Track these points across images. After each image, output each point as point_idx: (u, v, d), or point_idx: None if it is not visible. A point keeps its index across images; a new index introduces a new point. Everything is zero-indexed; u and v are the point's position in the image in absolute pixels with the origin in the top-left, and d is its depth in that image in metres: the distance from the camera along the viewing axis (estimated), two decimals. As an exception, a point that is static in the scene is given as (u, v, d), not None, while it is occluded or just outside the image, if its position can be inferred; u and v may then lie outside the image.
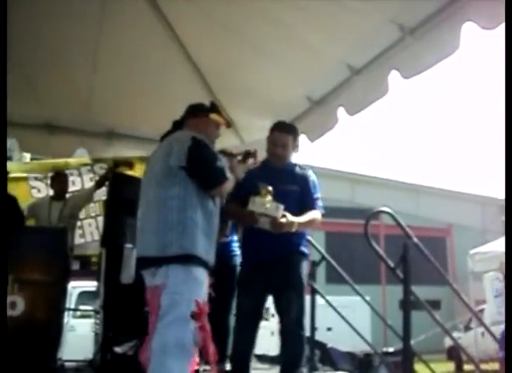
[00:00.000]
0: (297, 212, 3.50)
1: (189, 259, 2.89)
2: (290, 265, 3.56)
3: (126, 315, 4.15)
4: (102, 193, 5.96)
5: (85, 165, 6.48)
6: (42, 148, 5.59)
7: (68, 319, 9.37)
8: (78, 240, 6.30)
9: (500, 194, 26.59)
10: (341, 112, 4.07)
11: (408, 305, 3.73)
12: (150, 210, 3.04)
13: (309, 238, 5.03)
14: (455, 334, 12.63)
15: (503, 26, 2.76)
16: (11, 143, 5.31)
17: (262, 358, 5.34)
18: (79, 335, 8.93)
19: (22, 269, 4.06)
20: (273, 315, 5.19)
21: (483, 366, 9.97)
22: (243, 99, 4.72)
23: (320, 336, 4.93)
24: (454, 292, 4.63)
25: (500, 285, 11.72)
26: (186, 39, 4.45)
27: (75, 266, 5.78)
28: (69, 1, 3.92)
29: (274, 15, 3.72)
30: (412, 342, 3.78)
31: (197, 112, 3.32)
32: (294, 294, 3.51)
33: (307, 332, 4.70)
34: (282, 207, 3.43)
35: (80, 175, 6.50)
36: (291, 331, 3.50)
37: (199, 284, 2.91)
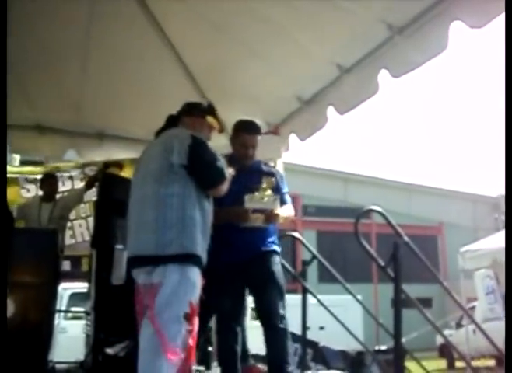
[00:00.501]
0: None
1: (188, 258, 2.88)
2: (266, 263, 3.55)
3: (117, 316, 4.13)
4: (92, 194, 5.95)
5: (76, 167, 6.47)
6: (32, 150, 5.57)
7: (59, 321, 9.33)
8: (68, 241, 6.28)
9: (491, 192, 26.79)
10: (331, 111, 4.08)
11: (398, 303, 3.74)
12: (147, 207, 2.98)
13: (300, 237, 5.05)
14: (447, 331, 12.68)
15: (491, 25, 2.78)
16: (0, 144, 5.27)
17: (255, 358, 5.35)
18: (71, 336, 8.91)
19: (12, 271, 4.03)
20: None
21: (475, 363, 10.04)
22: (233, 99, 4.71)
23: (312, 335, 4.94)
24: (445, 290, 4.64)
25: (491, 283, 11.79)
26: (176, 39, 4.45)
27: (66, 266, 5.76)
28: (59, 3, 3.91)
29: (264, 14, 3.72)
30: (404, 340, 3.79)
31: (193, 111, 3.30)
32: (274, 291, 3.49)
33: (298, 332, 4.73)
34: (278, 198, 3.46)
35: (70, 176, 6.48)
36: (274, 327, 3.46)
37: (194, 285, 2.90)
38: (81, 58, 4.49)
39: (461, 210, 25.96)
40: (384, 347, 7.66)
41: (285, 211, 3.63)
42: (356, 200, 20.32)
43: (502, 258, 8.51)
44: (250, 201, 3.41)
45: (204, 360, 4.56)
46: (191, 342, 2.84)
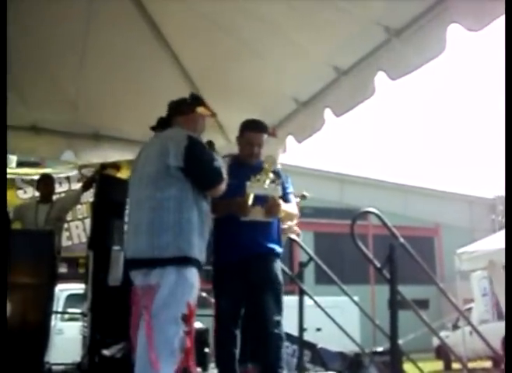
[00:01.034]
0: None
1: (185, 261, 2.87)
2: (265, 266, 3.54)
3: (114, 317, 4.13)
4: (89, 195, 5.94)
5: (73, 168, 6.46)
6: (29, 150, 5.56)
7: (56, 322, 9.31)
8: (65, 242, 6.27)
9: (488, 193, 26.81)
10: (327, 113, 4.09)
11: (394, 305, 3.74)
12: (143, 210, 2.98)
13: (296, 238, 5.05)
14: (443, 333, 12.70)
15: (488, 28, 2.79)
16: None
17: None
18: (67, 338, 8.88)
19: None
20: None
21: (471, 364, 10.06)
22: (230, 100, 4.71)
23: (309, 337, 4.93)
24: (441, 292, 4.65)
25: (487, 284, 11.82)
26: (173, 39, 4.45)
27: (63, 268, 5.75)
28: (55, 2, 3.90)
29: (261, 14, 3.72)
30: (401, 341, 3.79)
31: (183, 109, 3.28)
32: (270, 297, 3.47)
33: (296, 333, 4.73)
34: (279, 187, 3.45)
35: (67, 177, 6.47)
36: (269, 333, 3.45)
37: (191, 286, 2.89)
38: (77, 59, 4.48)
39: (457, 211, 25.95)
40: (380, 349, 7.66)
41: (287, 206, 3.62)
42: (353, 201, 20.29)
43: (498, 259, 8.53)
44: (251, 187, 3.36)
45: (201, 361, 4.56)
46: (189, 343, 2.83)
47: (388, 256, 3.75)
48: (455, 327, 13.80)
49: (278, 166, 3.71)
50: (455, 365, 13.38)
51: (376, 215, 4.11)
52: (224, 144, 5.04)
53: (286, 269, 4.85)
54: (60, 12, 3.98)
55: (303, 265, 4.83)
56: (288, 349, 4.18)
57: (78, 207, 6.35)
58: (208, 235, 3.10)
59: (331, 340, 7.18)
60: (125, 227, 3.20)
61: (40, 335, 4.24)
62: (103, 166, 5.43)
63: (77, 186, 6.30)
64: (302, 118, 4.49)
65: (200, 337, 4.73)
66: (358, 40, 3.59)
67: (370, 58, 3.61)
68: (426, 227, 24.96)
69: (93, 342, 4.31)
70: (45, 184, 5.79)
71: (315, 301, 5.06)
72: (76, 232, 6.48)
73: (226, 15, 3.86)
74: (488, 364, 12.08)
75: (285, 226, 4.32)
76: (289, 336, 4.69)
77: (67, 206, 5.89)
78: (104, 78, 4.65)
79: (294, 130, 4.58)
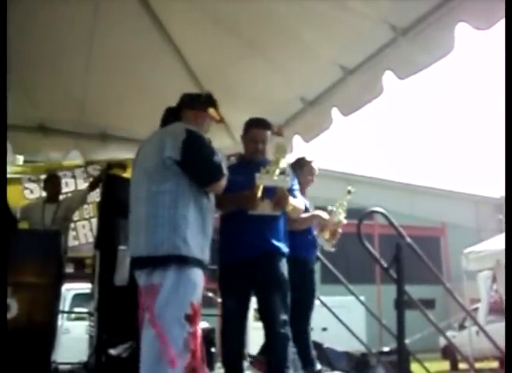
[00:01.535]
0: None
1: (183, 260, 2.82)
2: (271, 265, 3.52)
3: (120, 317, 4.13)
4: (95, 195, 5.95)
5: (79, 167, 6.46)
6: (36, 150, 5.58)
7: (63, 322, 9.34)
8: (72, 242, 6.28)
9: (494, 193, 26.71)
10: (335, 112, 4.07)
11: (401, 304, 3.73)
12: (140, 206, 2.93)
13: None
14: (450, 333, 12.66)
15: (496, 27, 2.77)
16: (4, 145, 5.28)
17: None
18: (74, 337, 8.91)
19: (15, 272, 4.03)
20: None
21: (478, 365, 10.02)
22: (237, 99, 4.71)
23: (315, 337, 4.91)
24: (448, 292, 4.64)
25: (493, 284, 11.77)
26: (179, 39, 4.45)
27: (69, 268, 5.77)
28: (62, 3, 3.91)
29: (268, 13, 3.72)
30: (407, 341, 3.78)
31: (195, 104, 3.24)
32: (277, 296, 3.46)
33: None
34: (289, 178, 3.44)
35: (74, 176, 6.48)
36: (275, 332, 3.44)
37: (195, 286, 2.85)
38: (84, 59, 4.49)
39: (463, 211, 25.90)
40: (386, 349, 7.64)
41: (295, 201, 3.62)
42: (359, 201, 20.21)
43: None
44: (261, 178, 3.32)
45: (207, 361, 4.56)
46: (195, 344, 2.79)
47: (395, 255, 3.74)
48: (461, 327, 13.76)
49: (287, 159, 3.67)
50: (462, 365, 13.34)
51: (383, 215, 4.10)
52: (230, 144, 5.04)
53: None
54: (67, 13, 4.00)
55: (309, 265, 4.82)
56: (294, 348, 4.18)
57: (85, 206, 6.35)
58: (210, 232, 3.02)
59: (337, 340, 7.17)
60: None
61: (47, 334, 4.24)
62: (110, 166, 5.44)
63: (83, 186, 6.31)
64: (309, 117, 4.48)
65: (206, 337, 4.73)
66: (364, 39, 3.58)
67: (377, 57, 3.60)
68: (432, 226, 24.92)
69: (100, 341, 4.32)
70: (52, 184, 5.81)
71: (321, 301, 5.05)
72: (83, 232, 6.48)
73: (233, 14, 3.86)
74: (495, 364, 12.03)
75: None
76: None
77: (73, 206, 5.90)
78: (111, 78, 4.66)
79: (301, 130, 4.58)
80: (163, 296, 2.76)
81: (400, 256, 3.71)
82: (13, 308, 3.97)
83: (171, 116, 3.21)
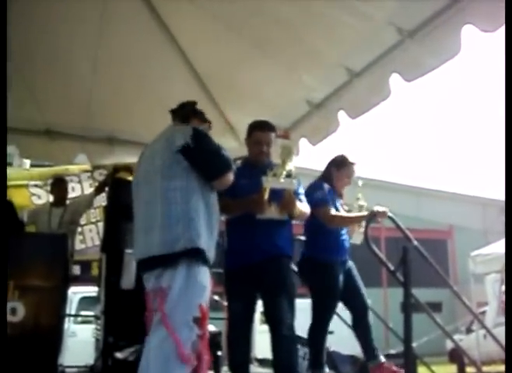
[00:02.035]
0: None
1: (196, 254, 2.82)
2: (278, 269, 3.53)
3: (127, 320, 4.14)
4: (102, 199, 5.96)
5: (85, 171, 6.48)
6: (42, 155, 5.59)
7: (69, 325, 9.36)
8: (78, 245, 6.31)
9: (501, 195, 26.58)
10: (342, 115, 4.07)
11: (408, 307, 3.72)
12: (151, 205, 2.93)
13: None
14: (457, 336, 12.59)
15: (502, 29, 2.76)
16: (11, 149, 5.30)
17: (263, 362, 5.33)
18: (80, 341, 8.94)
19: (22, 275, 4.06)
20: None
21: (485, 368, 9.96)
22: (242, 102, 4.72)
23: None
24: (455, 295, 4.62)
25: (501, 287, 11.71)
26: (185, 42, 4.46)
27: (76, 271, 5.79)
28: (69, 7, 3.93)
29: (273, 15, 3.72)
30: (414, 344, 3.77)
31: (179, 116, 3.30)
32: (283, 299, 3.46)
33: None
34: (295, 180, 3.45)
35: (80, 181, 6.50)
36: (281, 335, 3.45)
37: (203, 288, 2.85)
38: (91, 63, 4.51)
39: (470, 213, 25.79)
40: (393, 351, 7.61)
41: (301, 205, 3.62)
42: (366, 203, 20.16)
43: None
44: (267, 181, 3.33)
45: (214, 365, 4.56)
46: (203, 347, 2.80)
47: (402, 258, 3.73)
48: (469, 331, 13.69)
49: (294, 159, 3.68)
50: (469, 369, 13.26)
51: (390, 217, 4.09)
52: (236, 147, 5.03)
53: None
54: (74, 17, 4.01)
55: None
56: (299, 351, 4.18)
57: (92, 210, 6.37)
58: (216, 229, 3.02)
59: (343, 343, 7.15)
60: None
61: (54, 338, 4.26)
62: (116, 169, 5.45)
63: (89, 190, 6.33)
64: (315, 120, 4.48)
65: (213, 340, 4.73)
66: (371, 42, 3.57)
67: (384, 60, 3.59)
68: (439, 229, 24.82)
69: (106, 345, 4.32)
70: (59, 188, 5.82)
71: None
72: (90, 235, 6.50)
73: (238, 17, 3.86)
74: (502, 367, 11.94)
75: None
76: (301, 339, 4.67)
77: (80, 209, 5.92)
78: (117, 82, 4.67)
79: (308, 133, 4.57)
80: (172, 299, 2.76)
81: (407, 259, 3.70)
82: (20, 312, 3.98)
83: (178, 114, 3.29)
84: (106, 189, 5.51)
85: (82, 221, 6.28)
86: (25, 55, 4.24)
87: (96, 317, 5.25)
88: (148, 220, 2.95)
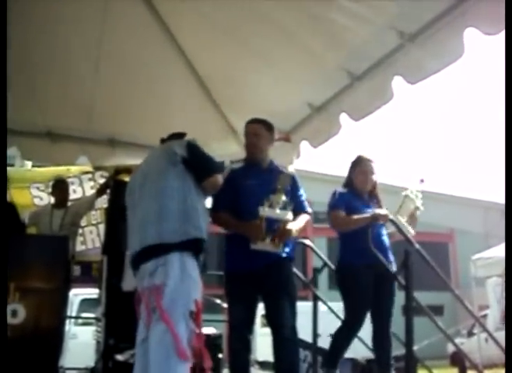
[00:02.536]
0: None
1: (191, 246, 2.94)
2: (281, 272, 3.55)
3: (128, 322, 4.14)
4: (103, 201, 5.97)
5: (86, 173, 6.49)
6: (44, 157, 5.59)
7: (70, 327, 9.36)
8: (79, 247, 6.31)
9: (503, 199, 26.54)
10: (344, 118, 4.06)
11: (410, 311, 3.71)
12: (148, 202, 3.08)
13: (311, 244, 5.04)
14: (458, 340, 12.58)
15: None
16: (13, 151, 5.31)
17: (264, 365, 5.33)
18: (81, 342, 8.94)
19: (23, 277, 4.06)
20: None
21: (487, 372, 9.95)
22: (245, 106, 4.72)
23: (321, 343, 4.90)
24: (457, 298, 4.61)
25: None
26: (187, 46, 4.47)
27: (76, 271, 5.79)
28: (71, 10, 3.94)
29: (275, 21, 3.72)
30: (415, 347, 3.77)
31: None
32: (285, 302, 3.48)
33: (309, 339, 4.71)
34: (290, 212, 3.47)
35: (81, 183, 6.50)
36: (283, 338, 3.46)
37: (196, 283, 2.94)
38: (93, 66, 4.51)
39: (472, 217, 25.77)
40: (394, 354, 7.60)
41: (298, 223, 3.60)
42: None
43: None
44: (264, 210, 3.39)
45: (214, 367, 4.55)
46: (199, 341, 2.87)
47: (403, 261, 3.73)
48: (470, 334, 13.67)
49: (293, 171, 3.71)
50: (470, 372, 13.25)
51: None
52: (238, 151, 5.04)
53: (300, 274, 4.83)
54: (76, 19, 4.02)
55: (317, 271, 4.82)
56: (300, 354, 4.19)
57: (93, 212, 6.38)
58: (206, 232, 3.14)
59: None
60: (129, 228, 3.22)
61: (55, 340, 4.26)
62: (117, 172, 5.46)
63: (91, 192, 6.33)
64: (316, 123, 4.47)
65: (213, 343, 4.74)
66: (371, 45, 3.56)
67: (386, 63, 3.58)
68: (440, 232, 24.80)
69: (107, 347, 4.33)
70: (60, 189, 5.83)
71: (329, 307, 5.04)
72: (90, 237, 6.50)
73: (241, 22, 3.87)
74: (503, 371, 11.93)
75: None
76: (302, 342, 4.67)
77: (81, 211, 5.92)
78: (119, 84, 4.67)
79: (309, 136, 4.57)
80: (169, 294, 2.83)
81: (408, 263, 3.70)
82: (21, 314, 3.98)
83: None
84: (108, 191, 5.51)
85: (83, 222, 6.28)
86: (26, 57, 4.24)
87: (97, 319, 5.25)
88: (143, 217, 3.06)
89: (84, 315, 9.97)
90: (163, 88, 4.74)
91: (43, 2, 3.83)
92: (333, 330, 4.24)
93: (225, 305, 4.11)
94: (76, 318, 10.18)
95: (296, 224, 3.54)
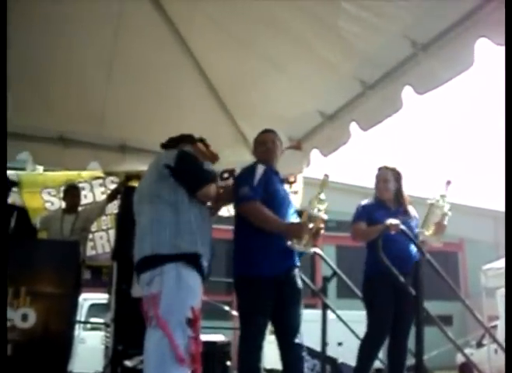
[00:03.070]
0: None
1: (186, 258, 2.94)
2: (296, 280, 3.56)
3: (137, 328, 4.14)
4: (113, 207, 6.00)
5: (97, 178, 6.52)
6: (55, 162, 5.61)
7: (79, 332, 9.39)
8: (89, 252, 6.33)
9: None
10: (354, 127, 4.07)
11: (421, 322, 3.69)
12: (144, 215, 3.12)
13: (321, 253, 5.03)
14: (467, 350, 12.48)
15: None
16: (24, 156, 5.35)
17: (271, 373, 5.31)
18: (89, 347, 8.96)
19: (34, 281, 4.08)
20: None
21: (496, 383, 9.86)
22: (256, 114, 4.73)
23: (330, 351, 4.89)
24: (466, 308, 4.58)
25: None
26: (199, 53, 4.49)
27: (87, 275, 5.81)
28: (84, 16, 3.97)
29: (287, 29, 3.74)
30: (425, 357, 3.74)
31: (185, 140, 3.50)
32: (298, 308, 3.51)
33: (317, 347, 4.70)
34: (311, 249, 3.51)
35: (92, 188, 6.53)
36: (294, 344, 3.45)
37: (193, 291, 2.96)
38: (105, 71, 4.54)
39: (481, 226, 25.60)
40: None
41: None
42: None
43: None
44: (313, 211, 3.41)
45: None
46: (196, 349, 2.86)
47: (414, 272, 3.72)
48: (479, 345, 13.57)
49: (301, 180, 3.74)
50: (479, 383, 13.12)
51: (402, 230, 4.07)
52: (250, 159, 5.05)
53: (310, 282, 4.83)
54: (89, 26, 4.05)
55: (326, 280, 4.81)
56: (308, 363, 4.17)
57: (103, 218, 6.40)
58: (209, 242, 3.14)
59: (352, 355, 7.12)
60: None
61: (64, 344, 4.27)
62: (128, 177, 5.48)
63: (101, 197, 6.36)
64: (327, 131, 4.47)
65: (222, 350, 4.73)
66: (384, 55, 3.57)
67: (397, 72, 3.58)
68: (450, 242, 24.65)
69: (116, 352, 4.33)
70: (72, 195, 5.86)
71: (338, 316, 5.02)
72: (100, 242, 6.53)
73: (253, 29, 3.89)
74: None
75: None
76: (311, 351, 4.66)
77: (92, 217, 5.94)
78: (131, 90, 4.70)
79: (319, 144, 4.57)
80: (165, 302, 2.86)
81: (419, 274, 3.69)
82: (31, 318, 4.00)
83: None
84: (118, 196, 5.53)
85: (93, 227, 6.31)
86: (40, 62, 4.28)
87: (106, 324, 5.26)
88: (141, 228, 3.12)
89: (93, 319, 9.99)
90: (174, 95, 4.76)
91: (57, 8, 3.86)
92: (341, 339, 4.23)
93: (234, 312, 4.09)
94: (85, 323, 10.21)
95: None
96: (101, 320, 7.85)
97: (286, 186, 3.99)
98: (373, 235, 4.07)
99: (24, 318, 3.98)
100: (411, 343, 3.87)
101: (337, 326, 5.21)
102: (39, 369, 3.95)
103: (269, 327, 3.54)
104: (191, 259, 2.97)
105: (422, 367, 3.66)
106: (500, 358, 8.15)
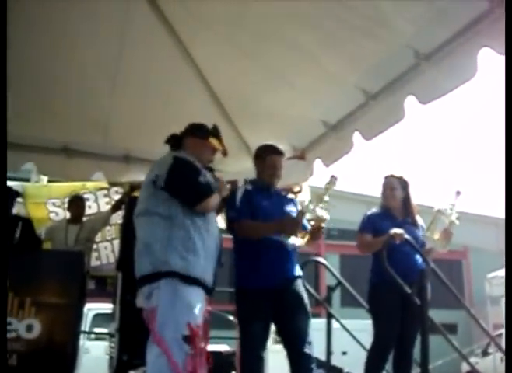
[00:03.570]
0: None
1: (178, 277, 2.89)
2: (297, 289, 3.58)
3: (141, 339, 4.14)
4: (118, 217, 6.01)
5: (102, 188, 6.53)
6: (60, 172, 5.63)
7: (83, 341, 9.37)
8: (94, 262, 6.34)
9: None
10: (356, 136, 4.08)
11: (426, 331, 3.68)
12: (140, 230, 3.10)
13: (325, 262, 5.03)
14: (472, 359, 12.42)
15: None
16: (29, 166, 5.36)
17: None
18: (94, 357, 8.94)
19: (39, 292, 4.09)
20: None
21: (502, 392, 9.79)
22: (259, 123, 4.74)
23: (335, 361, 4.88)
24: (471, 317, 4.57)
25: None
26: (203, 63, 4.50)
27: (91, 285, 5.82)
28: (89, 26, 4.00)
29: (291, 40, 3.76)
30: (430, 367, 3.73)
31: (196, 132, 3.38)
32: (303, 317, 3.52)
33: (322, 357, 4.68)
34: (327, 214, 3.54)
35: (96, 199, 6.54)
36: (302, 353, 3.46)
37: (190, 306, 2.88)
38: (109, 82, 4.56)
39: (486, 234, 25.49)
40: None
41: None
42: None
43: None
44: (307, 207, 3.45)
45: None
46: (195, 365, 2.81)
47: (419, 282, 3.71)
48: (485, 353, 13.49)
49: (307, 190, 3.78)
50: (485, 393, 13.06)
51: (406, 240, 4.06)
52: (252, 167, 5.06)
53: (313, 291, 4.82)
54: (93, 36, 4.07)
55: (331, 289, 4.80)
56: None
57: (108, 228, 6.41)
58: (213, 252, 3.08)
59: (356, 364, 7.09)
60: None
61: (69, 354, 4.27)
62: (132, 188, 5.49)
63: (106, 208, 6.37)
64: (330, 141, 4.48)
65: (226, 360, 4.72)
66: (387, 65, 3.58)
67: (400, 82, 3.59)
68: (454, 250, 24.58)
69: (120, 363, 4.33)
70: (77, 205, 5.88)
71: (342, 325, 5.01)
72: (105, 253, 6.53)
73: (257, 41, 3.91)
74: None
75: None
76: (315, 361, 4.64)
77: (96, 227, 5.96)
78: (135, 100, 4.72)
79: (322, 154, 4.57)
80: (160, 317, 2.83)
81: (424, 283, 3.68)
82: (36, 329, 4.00)
83: (173, 142, 3.40)
84: (123, 207, 5.55)
85: (98, 238, 6.32)
86: (44, 72, 4.30)
87: (111, 335, 5.25)
88: (138, 244, 3.09)
89: (97, 329, 9.97)
90: (179, 106, 4.77)
91: (61, 18, 3.88)
92: (345, 348, 4.22)
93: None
94: (90, 333, 10.18)
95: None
96: (106, 330, 7.84)
97: (291, 196, 3.99)
98: (378, 246, 4.06)
99: (29, 328, 3.99)
100: (416, 353, 3.85)
101: (341, 336, 5.19)
102: (44, 380, 3.94)
103: (272, 336, 3.55)
104: (184, 278, 2.92)
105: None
106: (506, 367, 8.12)
